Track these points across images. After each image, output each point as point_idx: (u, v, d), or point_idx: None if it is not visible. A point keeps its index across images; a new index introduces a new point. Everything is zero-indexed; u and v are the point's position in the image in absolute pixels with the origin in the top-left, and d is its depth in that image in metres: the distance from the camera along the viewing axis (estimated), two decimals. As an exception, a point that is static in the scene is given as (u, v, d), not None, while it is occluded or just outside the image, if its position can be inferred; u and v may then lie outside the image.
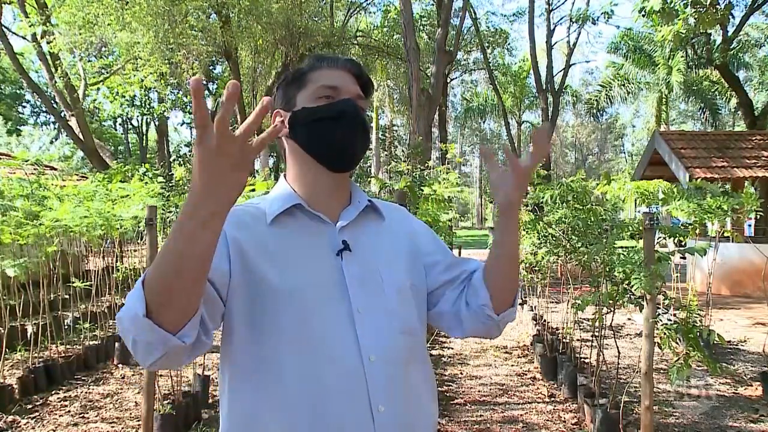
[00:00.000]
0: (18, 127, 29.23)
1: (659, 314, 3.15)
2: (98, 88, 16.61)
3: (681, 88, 19.25)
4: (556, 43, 23.30)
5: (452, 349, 6.01)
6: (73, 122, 12.77)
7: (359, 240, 1.06)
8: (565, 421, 3.88)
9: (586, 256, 3.82)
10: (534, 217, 4.63)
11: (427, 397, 1.08)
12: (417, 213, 4.49)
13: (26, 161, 5.27)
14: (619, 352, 3.75)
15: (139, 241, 7.93)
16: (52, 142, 27.48)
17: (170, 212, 4.65)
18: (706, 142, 10.62)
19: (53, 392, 4.41)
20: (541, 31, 22.68)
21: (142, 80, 14.45)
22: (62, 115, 13.51)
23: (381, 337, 0.99)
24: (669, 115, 28.96)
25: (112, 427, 3.78)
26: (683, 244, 3.63)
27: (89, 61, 15.82)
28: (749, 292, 8.73)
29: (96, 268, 6.42)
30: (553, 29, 22.57)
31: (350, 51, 17.42)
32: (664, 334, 3.02)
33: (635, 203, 4.78)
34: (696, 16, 7.60)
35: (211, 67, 23.25)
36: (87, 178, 9.11)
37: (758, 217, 8.55)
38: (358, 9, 21.72)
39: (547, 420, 3.92)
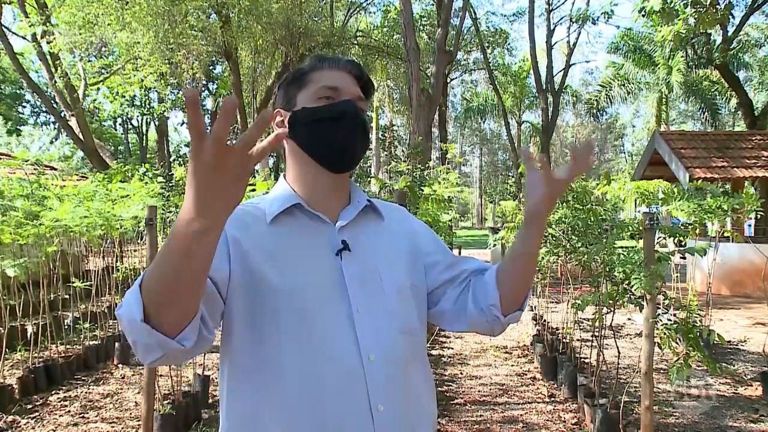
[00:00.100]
0: (18, 127, 29.23)
1: (659, 314, 3.15)
2: (98, 88, 16.60)
3: (681, 88, 19.25)
4: (556, 43, 23.33)
5: (452, 349, 6.01)
6: (73, 122, 12.77)
7: (359, 240, 1.06)
8: (565, 421, 3.88)
9: (586, 256, 3.82)
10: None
11: (427, 397, 1.08)
12: (417, 213, 4.48)
13: (26, 161, 5.27)
14: (619, 352, 3.75)
15: (139, 241, 7.94)
16: (52, 142, 27.48)
17: (170, 212, 4.65)
18: (706, 142, 10.62)
19: (53, 392, 4.41)
20: (541, 31, 22.72)
21: (142, 80, 14.45)
22: (62, 115, 13.51)
23: (381, 337, 0.99)
24: (669, 115, 28.97)
25: (112, 427, 3.78)
26: (683, 244, 3.64)
27: (89, 61, 15.82)
28: (749, 292, 8.73)
29: (96, 268, 6.42)
30: (553, 29, 22.60)
31: (350, 51, 17.42)
32: (664, 334, 3.02)
33: (635, 203, 4.78)
34: (696, 16, 7.60)
35: (211, 67, 23.27)
36: (87, 178, 9.12)
37: (758, 217, 8.55)
38: (358, 9, 21.72)
39: (547, 420, 3.92)
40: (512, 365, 5.36)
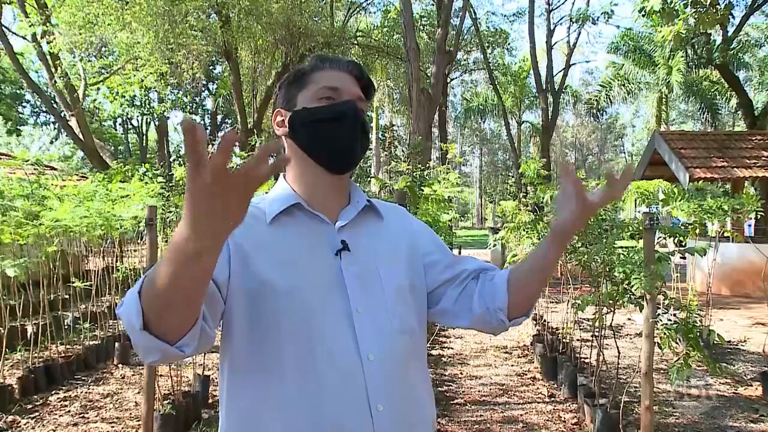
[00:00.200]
0: (18, 127, 29.20)
1: (659, 314, 3.15)
2: (98, 88, 16.57)
3: (681, 88, 19.25)
4: (556, 43, 23.31)
5: (452, 349, 6.01)
6: (73, 122, 12.77)
7: (358, 240, 1.06)
8: (565, 421, 3.88)
9: (586, 256, 3.81)
10: (534, 217, 4.63)
11: (426, 397, 1.08)
12: (417, 213, 4.49)
13: (26, 161, 5.26)
14: (619, 352, 3.75)
15: (139, 241, 7.94)
16: (52, 142, 27.43)
17: (170, 212, 4.65)
18: (706, 142, 10.62)
19: (53, 392, 4.41)
20: (541, 31, 22.68)
21: (142, 80, 14.45)
22: (62, 115, 13.50)
23: (380, 337, 0.99)
24: (669, 115, 28.97)
25: (112, 427, 3.78)
26: (683, 244, 3.64)
27: (89, 61, 15.81)
28: (749, 292, 8.73)
29: (96, 268, 6.41)
30: (553, 29, 22.58)
31: (350, 51, 17.42)
32: (664, 334, 3.02)
33: (635, 203, 4.78)
34: (696, 16, 7.60)
35: (211, 67, 23.27)
36: (87, 178, 9.11)
37: (758, 217, 8.55)
38: (358, 9, 21.72)
39: (547, 420, 3.92)
40: (512, 365, 5.36)
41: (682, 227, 3.83)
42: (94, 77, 15.80)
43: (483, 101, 29.41)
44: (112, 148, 29.09)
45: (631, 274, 2.98)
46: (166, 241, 4.36)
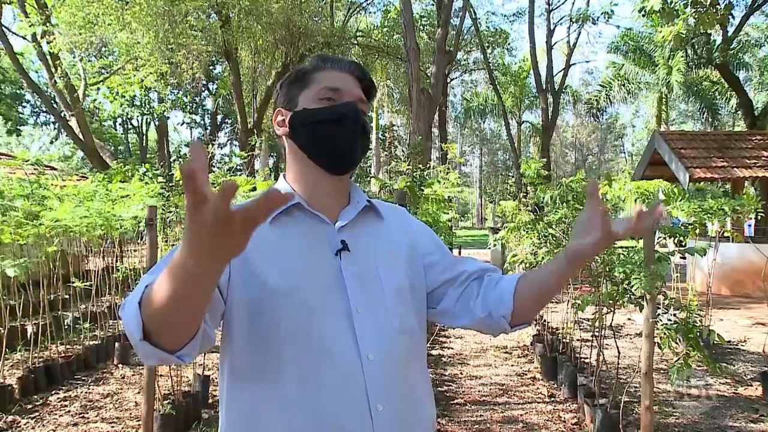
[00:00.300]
0: (18, 127, 29.19)
1: (659, 314, 3.15)
2: (98, 88, 16.58)
3: (681, 88, 19.24)
4: (556, 43, 23.33)
5: (452, 349, 6.01)
6: (73, 122, 12.77)
7: (358, 240, 1.06)
8: (565, 421, 3.88)
9: (586, 256, 3.81)
10: (534, 217, 4.63)
11: (426, 397, 1.08)
12: (417, 213, 4.49)
13: (26, 161, 5.26)
14: (619, 352, 3.75)
15: (139, 241, 7.94)
16: (52, 142, 27.43)
17: (170, 212, 4.64)
18: (706, 142, 10.62)
19: (53, 392, 4.41)
20: (541, 31, 22.71)
21: (142, 80, 14.45)
22: (62, 115, 13.50)
23: (380, 337, 0.99)
24: (669, 115, 28.96)
25: (112, 427, 3.78)
26: (683, 244, 3.64)
27: (89, 61, 15.81)
28: (749, 292, 8.73)
29: (96, 268, 6.41)
30: (553, 29, 22.61)
31: (350, 51, 17.43)
32: (664, 334, 3.02)
33: (635, 203, 4.78)
34: (696, 16, 7.60)
35: (211, 67, 23.27)
36: (87, 178, 9.11)
37: (758, 218, 8.55)
38: (358, 9, 21.73)
39: (547, 420, 3.92)
40: (512, 365, 5.36)
41: (682, 227, 3.83)
42: (94, 77, 15.81)
43: (483, 101, 29.43)
44: (112, 148, 29.09)
45: (631, 274, 2.98)
46: (166, 241, 4.36)
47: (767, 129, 12.38)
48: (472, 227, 42.71)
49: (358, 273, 1.02)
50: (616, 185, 4.48)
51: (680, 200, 3.73)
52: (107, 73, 16.61)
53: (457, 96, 36.05)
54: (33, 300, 4.88)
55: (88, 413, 4.01)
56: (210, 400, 4.18)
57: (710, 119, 20.84)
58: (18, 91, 30.21)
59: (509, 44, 27.10)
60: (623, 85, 21.73)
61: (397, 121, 32.29)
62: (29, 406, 4.11)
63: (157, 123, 28.29)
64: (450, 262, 1.16)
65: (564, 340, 5.20)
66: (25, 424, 3.79)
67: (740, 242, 7.88)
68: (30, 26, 11.84)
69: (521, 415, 4.01)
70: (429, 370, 1.19)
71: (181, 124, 34.65)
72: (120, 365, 5.19)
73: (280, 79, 1.15)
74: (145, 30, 12.30)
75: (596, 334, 3.92)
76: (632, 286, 2.97)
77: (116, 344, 5.32)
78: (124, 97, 18.16)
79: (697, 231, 3.95)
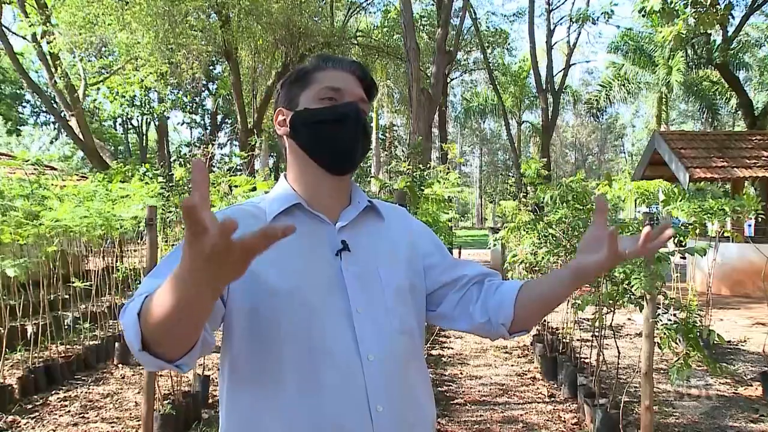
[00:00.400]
0: (18, 127, 29.20)
1: (659, 314, 3.15)
2: (98, 88, 16.59)
3: (681, 88, 19.23)
4: (556, 43, 23.33)
5: (452, 349, 6.01)
6: (73, 122, 12.77)
7: (358, 240, 1.05)
8: (565, 421, 3.88)
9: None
10: (534, 217, 4.63)
11: (426, 397, 1.08)
12: (417, 213, 4.49)
13: (26, 161, 5.27)
14: (619, 352, 3.75)
15: (139, 241, 7.93)
16: (52, 142, 27.43)
17: (170, 212, 4.65)
18: (706, 142, 10.62)
19: (53, 392, 4.41)
20: (541, 31, 22.70)
21: (142, 80, 14.45)
22: (62, 115, 13.51)
23: (380, 337, 0.99)
24: (669, 115, 28.95)
25: (112, 427, 3.78)
26: (683, 244, 3.64)
27: (89, 61, 15.81)
28: (749, 292, 8.73)
29: (96, 268, 6.41)
30: (553, 29, 22.60)
31: (350, 51, 17.43)
32: (664, 334, 3.02)
33: (635, 203, 4.79)
34: (696, 16, 7.60)
35: (211, 67, 23.27)
36: (87, 178, 9.11)
37: (759, 219, 8.54)
38: (358, 9, 21.73)
39: (547, 420, 3.92)
40: (512, 365, 5.36)
41: (682, 227, 3.83)
42: (94, 77, 15.81)
43: (483, 101, 29.40)
44: (112, 148, 29.08)
45: (631, 274, 2.98)
46: (166, 241, 4.36)
47: (767, 129, 12.37)
48: (472, 227, 42.71)
49: (358, 273, 1.02)
50: (616, 185, 4.49)
51: (680, 200, 3.73)
52: (107, 73, 16.61)
53: (457, 96, 36.05)
54: (33, 300, 4.88)
55: (88, 413, 4.01)
56: (210, 400, 4.18)
57: (710, 119, 20.83)
58: (18, 91, 30.20)
59: (509, 44, 27.08)
60: (623, 85, 21.72)
61: (397, 121, 32.28)
62: (29, 406, 4.11)
63: (157, 123, 28.29)
64: (450, 264, 1.15)
65: (564, 340, 5.20)
66: (25, 424, 3.79)
67: (740, 242, 7.88)
68: (30, 26, 11.84)
69: (521, 415, 4.01)
70: (429, 370, 1.19)
71: (181, 124, 34.69)
72: (120, 365, 5.19)
73: (281, 79, 1.14)
74: (145, 30, 12.30)
75: (596, 334, 3.92)
76: (632, 286, 2.97)
77: (116, 344, 5.32)
78: (124, 97, 18.17)
79: (697, 231, 3.95)
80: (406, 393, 1.01)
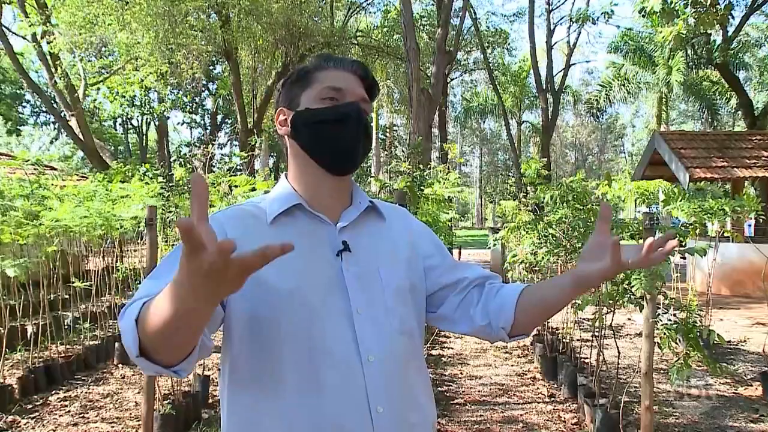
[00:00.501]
0: (18, 127, 29.19)
1: (659, 314, 3.15)
2: (98, 88, 16.59)
3: (681, 88, 19.22)
4: (556, 43, 23.33)
5: (452, 349, 6.01)
6: (73, 122, 12.77)
7: (359, 241, 1.05)
8: (565, 421, 3.88)
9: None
10: (534, 217, 4.63)
11: (426, 398, 1.08)
12: (417, 213, 4.48)
13: (26, 161, 5.26)
14: (619, 352, 3.75)
15: (139, 241, 7.93)
16: (52, 142, 27.43)
17: (170, 212, 4.65)
18: (706, 142, 10.62)
19: (53, 392, 4.41)
20: (541, 31, 22.72)
21: (142, 80, 14.45)
22: (62, 115, 13.50)
23: (380, 338, 0.99)
24: (669, 115, 28.96)
25: (112, 427, 3.78)
26: (683, 244, 3.63)
27: (89, 61, 15.81)
28: (749, 292, 8.73)
29: (96, 268, 6.41)
30: (553, 29, 22.62)
31: (350, 51, 17.42)
32: (664, 334, 3.02)
33: (635, 203, 4.79)
34: (696, 16, 7.59)
35: (211, 67, 23.26)
36: (87, 178, 9.11)
37: (759, 219, 8.54)
38: (358, 9, 21.73)
39: (547, 420, 3.92)
40: (512, 365, 5.36)
41: (682, 227, 3.83)
42: (94, 77, 15.81)
43: (483, 101, 29.39)
44: (112, 148, 29.08)
45: (631, 274, 2.98)
46: (166, 241, 4.36)
47: (767, 129, 12.37)
48: (472, 227, 42.70)
49: (358, 273, 1.02)
50: (616, 185, 4.48)
51: (680, 200, 3.72)
52: (107, 73, 16.61)
53: (457, 96, 36.04)
54: (33, 300, 4.88)
55: (88, 413, 4.01)
56: (210, 400, 4.18)
57: (710, 119, 20.82)
58: (18, 91, 30.20)
59: (509, 44, 27.09)
60: (623, 85, 21.70)
61: (397, 121, 32.29)
62: (29, 406, 4.11)
63: (157, 123, 28.27)
64: (450, 266, 1.15)
65: (564, 340, 5.20)
66: (25, 424, 3.79)
67: (740, 242, 7.88)
68: (30, 26, 11.83)
69: (521, 415, 4.01)
70: (429, 370, 1.19)
71: (181, 124, 34.65)
72: (120, 365, 5.19)
73: (281, 79, 1.14)
74: (145, 30, 12.30)
75: (596, 334, 3.92)
76: (632, 286, 2.97)
77: (116, 344, 5.32)
78: (124, 97, 18.16)
79: (697, 231, 3.94)
80: (406, 393, 1.01)
